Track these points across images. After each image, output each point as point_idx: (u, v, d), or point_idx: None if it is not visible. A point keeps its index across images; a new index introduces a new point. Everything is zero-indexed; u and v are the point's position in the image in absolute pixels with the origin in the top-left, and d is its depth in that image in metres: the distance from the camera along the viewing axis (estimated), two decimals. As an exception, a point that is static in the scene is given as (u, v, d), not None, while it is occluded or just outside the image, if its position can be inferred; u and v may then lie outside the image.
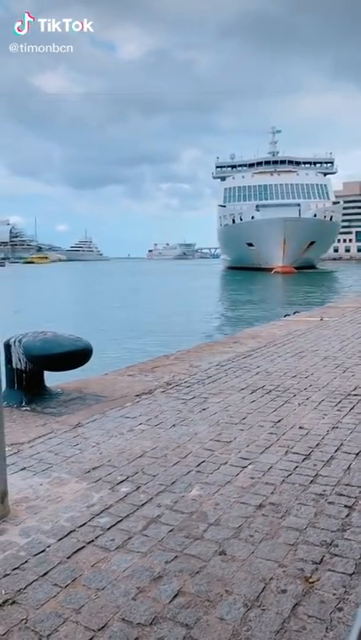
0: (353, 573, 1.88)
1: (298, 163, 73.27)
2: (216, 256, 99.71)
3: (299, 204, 63.44)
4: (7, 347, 4.12)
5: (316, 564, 1.94)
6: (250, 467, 2.83)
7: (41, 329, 4.35)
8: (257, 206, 64.23)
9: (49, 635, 1.59)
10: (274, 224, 55.32)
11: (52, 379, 4.44)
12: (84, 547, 2.07)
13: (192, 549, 2.05)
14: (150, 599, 1.75)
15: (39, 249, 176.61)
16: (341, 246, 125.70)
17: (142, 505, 2.41)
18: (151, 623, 1.63)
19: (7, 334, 4.30)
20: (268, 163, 72.89)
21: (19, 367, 4.07)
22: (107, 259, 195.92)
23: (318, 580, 1.85)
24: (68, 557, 2.00)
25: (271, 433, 3.36)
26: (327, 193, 70.04)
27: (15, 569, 1.92)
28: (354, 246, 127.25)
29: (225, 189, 72.73)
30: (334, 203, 68.32)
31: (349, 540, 2.10)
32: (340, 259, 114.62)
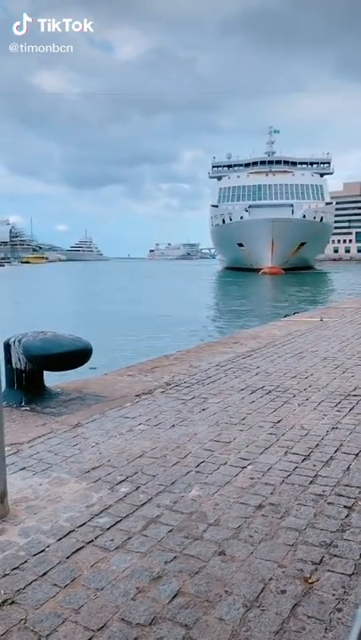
0: (352, 574, 1.88)
1: (294, 163, 72.82)
2: (214, 256, 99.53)
3: (292, 205, 62.96)
4: (7, 346, 4.12)
5: (316, 564, 1.94)
6: (249, 467, 2.83)
7: (40, 329, 4.35)
8: (248, 206, 63.76)
9: (48, 635, 1.59)
10: (262, 225, 54.77)
11: (51, 379, 4.45)
12: (83, 547, 2.07)
13: (191, 550, 2.05)
14: (150, 599, 1.75)
15: (35, 249, 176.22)
16: (341, 247, 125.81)
17: (142, 505, 2.41)
18: (150, 623, 1.63)
19: (6, 333, 4.30)
20: (263, 163, 72.50)
21: (18, 367, 4.07)
22: (107, 259, 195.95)
23: (318, 580, 1.85)
24: (67, 557, 2.00)
25: (271, 433, 3.36)
26: (322, 194, 69.42)
27: (14, 569, 1.92)
28: (354, 247, 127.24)
29: (220, 189, 72.17)
30: (327, 204, 67.85)
31: (349, 540, 2.10)
32: (340, 259, 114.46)
